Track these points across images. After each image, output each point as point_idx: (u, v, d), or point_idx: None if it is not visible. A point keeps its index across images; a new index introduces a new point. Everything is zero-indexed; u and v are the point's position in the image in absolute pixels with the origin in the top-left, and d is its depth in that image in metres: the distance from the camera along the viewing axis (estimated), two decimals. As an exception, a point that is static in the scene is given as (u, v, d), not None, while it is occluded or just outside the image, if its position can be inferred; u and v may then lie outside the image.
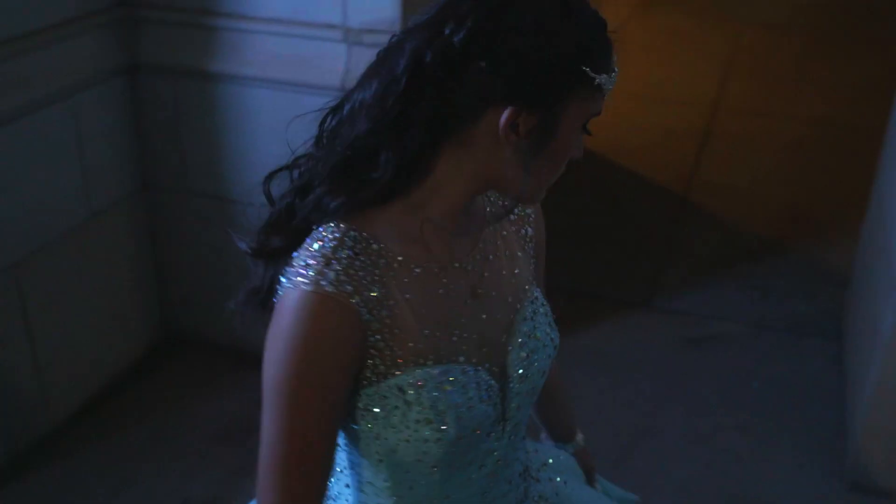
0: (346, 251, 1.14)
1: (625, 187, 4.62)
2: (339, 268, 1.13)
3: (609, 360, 3.31)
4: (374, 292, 1.14)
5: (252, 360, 3.22)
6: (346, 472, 1.29)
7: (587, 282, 3.79)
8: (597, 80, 1.12)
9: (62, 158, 2.76)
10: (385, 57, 1.17)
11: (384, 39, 2.68)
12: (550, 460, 1.55)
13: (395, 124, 1.14)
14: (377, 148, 1.15)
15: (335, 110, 1.21)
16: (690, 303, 3.71)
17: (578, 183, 4.20)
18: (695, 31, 6.76)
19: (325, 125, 1.22)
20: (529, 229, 1.38)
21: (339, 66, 2.71)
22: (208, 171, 3.00)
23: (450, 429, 1.17)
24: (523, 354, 1.29)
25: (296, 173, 1.25)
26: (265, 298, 1.22)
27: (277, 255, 1.20)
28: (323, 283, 1.12)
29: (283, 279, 1.15)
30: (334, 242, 1.15)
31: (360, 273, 1.14)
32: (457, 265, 1.24)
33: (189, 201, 3.09)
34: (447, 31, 1.11)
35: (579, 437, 1.69)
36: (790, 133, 5.18)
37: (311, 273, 1.12)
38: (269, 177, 1.27)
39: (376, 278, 1.15)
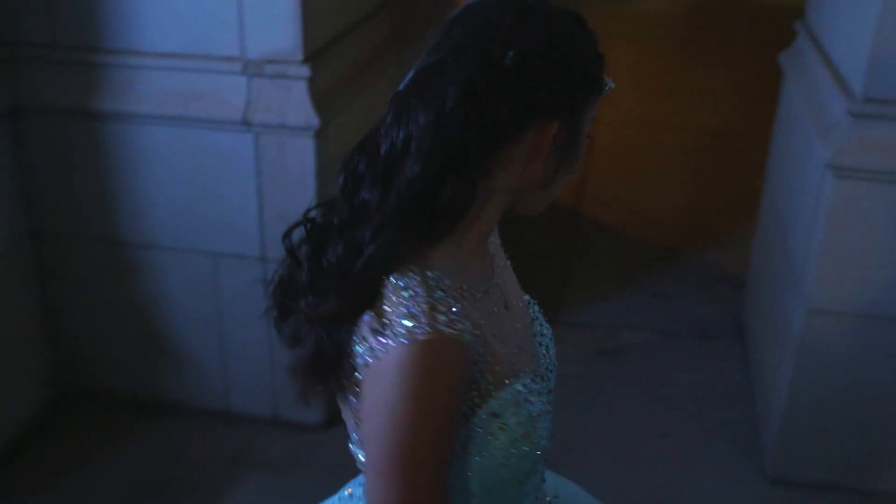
0: (439, 292, 1.11)
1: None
2: (443, 309, 1.09)
3: (525, 379, 3.31)
4: (470, 326, 1.12)
5: (159, 408, 3.12)
6: None
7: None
8: (608, 87, 1.18)
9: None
10: (421, 89, 1.12)
11: (287, 70, 2.66)
12: None
13: (453, 158, 1.10)
14: (438, 184, 1.11)
15: (364, 152, 1.16)
16: (596, 315, 3.76)
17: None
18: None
19: (355, 169, 1.16)
20: (497, 238, 1.42)
21: (240, 99, 2.63)
22: (102, 214, 2.86)
23: (542, 438, 1.20)
24: (544, 352, 1.34)
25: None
26: (331, 368, 1.15)
27: (342, 319, 1.13)
28: (440, 327, 1.08)
29: (380, 339, 1.08)
30: (423, 286, 1.11)
31: (455, 310, 1.10)
32: (494, 282, 1.26)
33: (82, 247, 2.93)
34: (496, 55, 1.10)
35: None
36: (674, 143, 5.35)
37: (422, 321, 1.07)
38: (289, 232, 1.20)
39: (465, 312, 1.12)
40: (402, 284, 1.11)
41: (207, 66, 2.63)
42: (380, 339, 1.08)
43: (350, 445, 1.28)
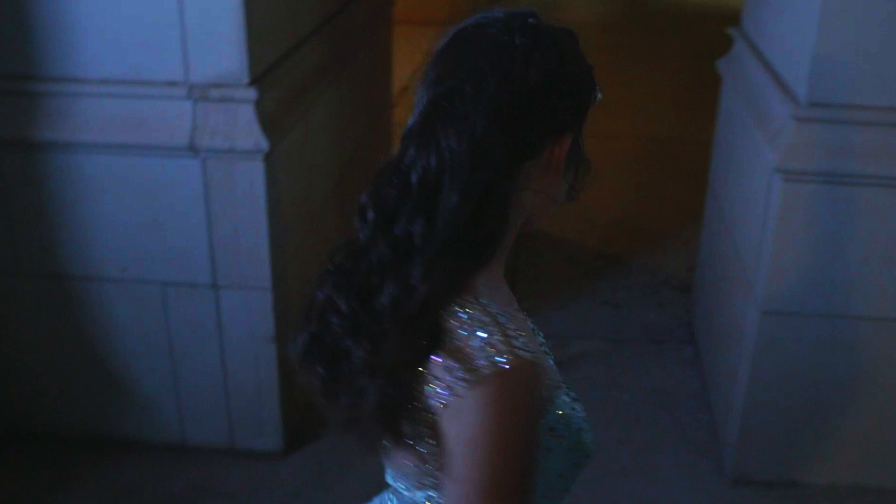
0: (501, 317, 1.09)
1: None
2: (514, 333, 1.07)
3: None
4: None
5: (112, 446, 3.02)
6: None
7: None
8: (598, 97, 1.20)
9: None
10: (445, 116, 1.09)
11: (233, 93, 2.61)
12: None
13: (490, 182, 1.09)
14: (478, 210, 1.09)
15: (390, 186, 1.11)
16: (546, 325, 3.68)
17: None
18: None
19: (384, 203, 1.11)
20: None
21: (186, 125, 2.57)
22: (44, 248, 2.76)
23: (590, 444, 1.20)
24: (550, 361, 1.33)
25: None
26: (401, 415, 1.09)
27: (413, 362, 1.08)
28: (520, 352, 1.05)
29: (458, 375, 1.04)
30: (487, 314, 1.08)
31: (523, 332, 1.09)
32: (515, 298, 1.24)
33: (24, 283, 2.83)
34: (517, 77, 1.09)
35: None
36: (613, 151, 5.41)
37: (502, 349, 1.04)
38: (322, 280, 1.15)
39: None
40: (465, 316, 1.08)
41: (150, 91, 2.57)
42: (458, 374, 1.05)
43: (404, 493, 1.24)
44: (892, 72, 2.33)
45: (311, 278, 1.19)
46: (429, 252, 1.08)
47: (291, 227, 2.88)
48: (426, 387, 1.07)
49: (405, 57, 4.90)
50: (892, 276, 2.52)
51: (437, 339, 1.07)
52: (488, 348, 1.05)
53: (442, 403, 1.06)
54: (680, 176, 4.66)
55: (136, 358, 2.90)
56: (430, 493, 1.17)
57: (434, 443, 1.09)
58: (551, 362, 1.33)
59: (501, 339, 1.06)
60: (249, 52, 2.52)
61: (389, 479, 1.27)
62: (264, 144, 2.56)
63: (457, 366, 1.05)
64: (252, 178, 2.61)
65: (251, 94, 2.54)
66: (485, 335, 1.06)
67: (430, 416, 1.08)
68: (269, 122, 2.62)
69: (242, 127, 2.57)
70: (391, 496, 1.31)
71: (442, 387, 1.06)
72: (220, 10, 2.48)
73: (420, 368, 1.08)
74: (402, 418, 1.09)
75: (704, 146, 3.66)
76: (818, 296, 2.57)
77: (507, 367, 1.04)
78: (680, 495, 2.88)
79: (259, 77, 2.60)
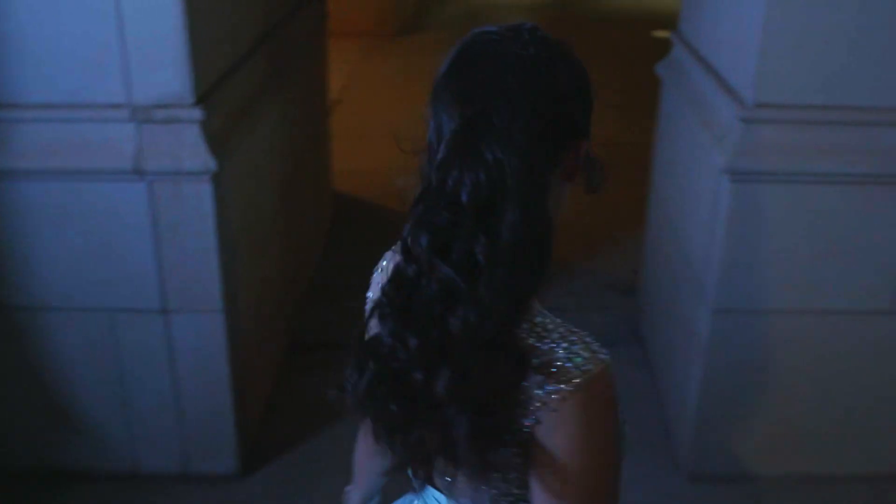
0: (571, 324, 1.11)
1: (396, 229, 4.63)
2: (588, 339, 1.09)
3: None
4: None
5: (62, 479, 2.92)
6: None
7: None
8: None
9: None
10: (483, 135, 1.06)
11: (178, 114, 2.56)
12: None
13: (541, 193, 1.09)
14: (533, 222, 1.07)
15: (440, 207, 1.07)
16: (496, 332, 3.77)
17: (363, 228, 4.18)
18: (425, 69, 6.96)
19: (438, 224, 1.06)
20: None
21: (130, 148, 2.51)
22: (-16, 279, 2.67)
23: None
24: None
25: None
26: (502, 439, 1.08)
27: (512, 385, 1.06)
28: (601, 356, 1.08)
29: (547, 389, 1.05)
30: (558, 325, 1.11)
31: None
32: None
33: (-38, 317, 2.73)
34: (545, 88, 1.09)
35: None
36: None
37: (586, 356, 1.07)
38: (378, 316, 1.12)
39: None
40: (539, 330, 1.09)
41: (91, 115, 2.50)
42: (550, 388, 1.05)
43: None
44: (835, 70, 2.39)
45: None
46: (499, 272, 1.04)
47: (240, 246, 2.83)
48: (517, 408, 1.07)
49: (334, 68, 4.87)
50: (838, 270, 2.59)
51: (523, 358, 1.06)
52: (574, 357, 1.07)
53: (536, 420, 1.06)
54: (619, 179, 4.68)
55: (84, 387, 2.81)
56: None
57: (521, 462, 1.10)
58: None
59: (581, 346, 1.08)
60: (193, 71, 2.47)
61: None
62: (212, 164, 2.51)
63: (547, 380, 1.06)
64: (200, 199, 2.56)
65: (197, 113, 2.49)
66: (566, 345, 1.08)
67: (520, 435, 1.08)
68: (216, 141, 2.57)
69: (189, 147, 2.52)
70: None
71: (535, 404, 1.06)
72: (161, 29, 2.43)
73: (511, 391, 1.07)
74: (496, 444, 1.08)
75: (643, 148, 3.71)
76: (768, 293, 2.62)
77: (596, 371, 1.07)
78: (638, 494, 2.91)
79: (204, 96, 2.55)
